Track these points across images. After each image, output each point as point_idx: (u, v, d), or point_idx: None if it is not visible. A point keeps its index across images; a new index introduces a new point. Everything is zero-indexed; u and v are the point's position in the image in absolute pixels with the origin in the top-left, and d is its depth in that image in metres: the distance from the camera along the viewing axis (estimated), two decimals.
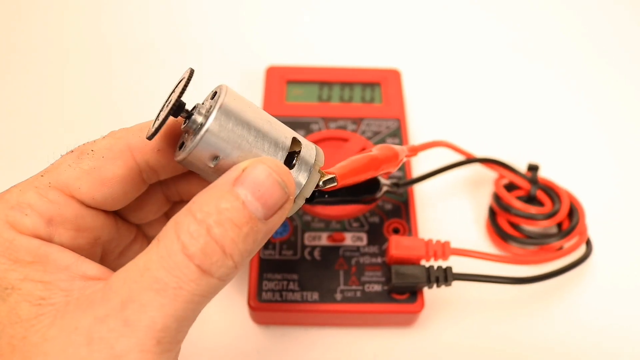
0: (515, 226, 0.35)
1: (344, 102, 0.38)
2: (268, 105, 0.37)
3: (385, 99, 0.38)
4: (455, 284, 0.29)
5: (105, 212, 0.22)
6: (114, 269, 0.24)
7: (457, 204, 0.37)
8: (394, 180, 0.32)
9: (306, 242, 0.32)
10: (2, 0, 0.47)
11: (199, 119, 0.20)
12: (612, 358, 0.31)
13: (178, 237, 0.18)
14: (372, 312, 0.30)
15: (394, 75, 0.40)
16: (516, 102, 0.43)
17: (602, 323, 0.32)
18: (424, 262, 0.30)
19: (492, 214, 0.36)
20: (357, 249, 0.31)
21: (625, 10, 0.49)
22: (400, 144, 0.36)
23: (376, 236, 0.32)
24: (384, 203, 0.33)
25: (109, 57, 0.44)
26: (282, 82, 0.39)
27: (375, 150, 0.27)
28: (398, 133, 0.36)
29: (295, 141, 0.21)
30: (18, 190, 0.20)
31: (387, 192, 0.30)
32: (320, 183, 0.22)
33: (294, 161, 0.21)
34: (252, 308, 0.29)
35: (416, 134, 0.40)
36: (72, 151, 0.21)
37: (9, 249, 0.19)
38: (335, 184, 0.23)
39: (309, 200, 0.23)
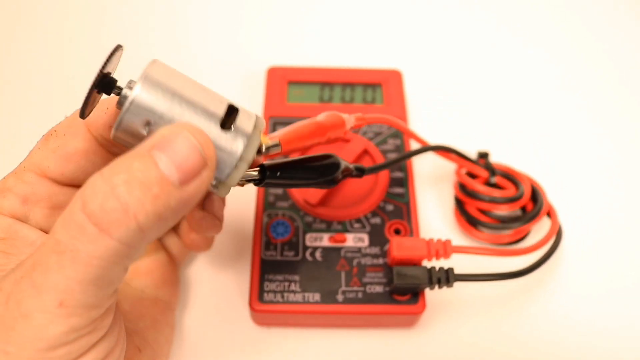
0: (484, 212, 0.35)
1: (345, 103, 0.38)
2: (269, 106, 0.37)
3: (387, 100, 0.38)
4: (457, 285, 0.29)
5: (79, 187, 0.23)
6: None
7: (421, 196, 0.37)
8: (359, 166, 0.29)
9: (307, 243, 0.32)
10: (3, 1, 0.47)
11: (128, 92, 0.19)
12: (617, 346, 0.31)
13: (82, 195, 0.17)
14: (374, 314, 0.29)
15: (395, 76, 0.39)
16: (517, 102, 0.43)
17: (581, 304, 0.33)
18: (425, 262, 0.30)
19: (459, 202, 0.36)
20: (359, 250, 0.31)
21: None
22: (402, 145, 0.36)
23: (378, 237, 0.32)
24: (385, 204, 0.33)
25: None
26: (283, 82, 0.39)
27: (321, 117, 0.27)
28: (399, 134, 0.36)
29: (232, 109, 0.21)
30: (2, 179, 0.23)
31: (348, 174, 0.27)
32: (263, 149, 0.22)
33: (228, 127, 0.20)
34: (253, 309, 0.29)
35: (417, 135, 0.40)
36: (43, 136, 0.23)
37: None
38: (279, 149, 0.22)
39: (259, 181, 0.23)
